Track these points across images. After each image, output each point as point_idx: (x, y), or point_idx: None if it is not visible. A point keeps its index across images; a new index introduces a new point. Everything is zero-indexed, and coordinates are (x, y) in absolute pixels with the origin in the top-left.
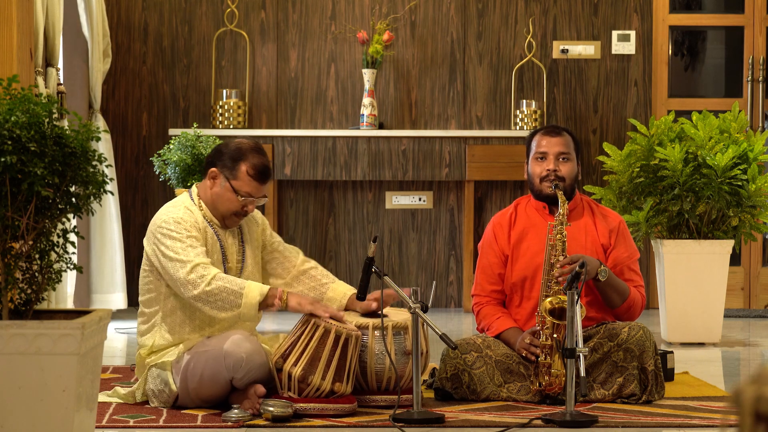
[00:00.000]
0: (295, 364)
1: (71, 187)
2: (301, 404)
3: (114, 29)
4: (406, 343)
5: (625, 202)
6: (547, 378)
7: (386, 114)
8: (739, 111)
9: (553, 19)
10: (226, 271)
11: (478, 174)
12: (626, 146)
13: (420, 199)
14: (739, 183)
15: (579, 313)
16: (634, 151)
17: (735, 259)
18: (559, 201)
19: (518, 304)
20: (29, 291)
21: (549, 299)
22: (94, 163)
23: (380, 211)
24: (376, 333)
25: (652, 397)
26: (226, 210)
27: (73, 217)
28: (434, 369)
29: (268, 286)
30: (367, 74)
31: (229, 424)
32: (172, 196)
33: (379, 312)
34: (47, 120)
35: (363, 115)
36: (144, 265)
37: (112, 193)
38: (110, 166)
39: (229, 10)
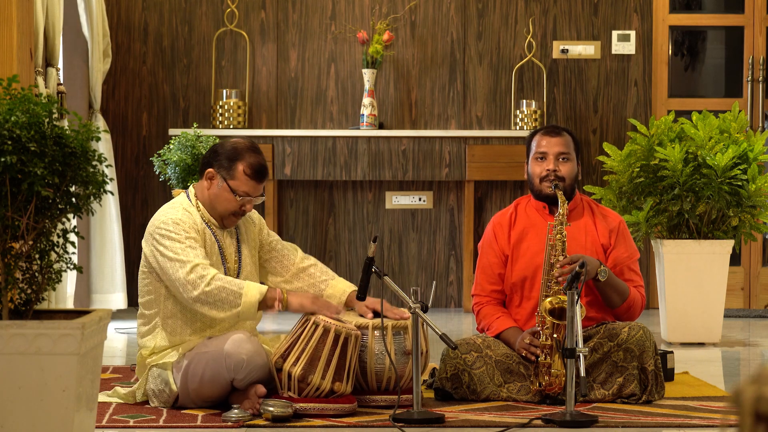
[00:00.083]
0: (295, 363)
1: (71, 187)
2: (301, 404)
3: (114, 29)
4: (406, 343)
5: (625, 202)
6: (547, 378)
7: (386, 114)
8: (739, 111)
9: (553, 19)
10: (225, 272)
11: (478, 174)
12: (626, 146)
13: (420, 199)
14: (739, 183)
15: (579, 313)
16: (634, 151)
17: (735, 259)
18: (559, 201)
19: (518, 304)
20: (29, 291)
21: (549, 299)
22: (94, 163)
23: (380, 211)
24: (376, 333)
25: (652, 397)
26: (224, 210)
27: (73, 217)
28: (434, 369)
29: (266, 286)
30: (367, 74)
31: (229, 424)
32: (172, 196)
33: (380, 311)
34: (47, 120)
35: (363, 115)
36: (143, 267)
37: (112, 193)
38: (110, 166)
39: (229, 10)
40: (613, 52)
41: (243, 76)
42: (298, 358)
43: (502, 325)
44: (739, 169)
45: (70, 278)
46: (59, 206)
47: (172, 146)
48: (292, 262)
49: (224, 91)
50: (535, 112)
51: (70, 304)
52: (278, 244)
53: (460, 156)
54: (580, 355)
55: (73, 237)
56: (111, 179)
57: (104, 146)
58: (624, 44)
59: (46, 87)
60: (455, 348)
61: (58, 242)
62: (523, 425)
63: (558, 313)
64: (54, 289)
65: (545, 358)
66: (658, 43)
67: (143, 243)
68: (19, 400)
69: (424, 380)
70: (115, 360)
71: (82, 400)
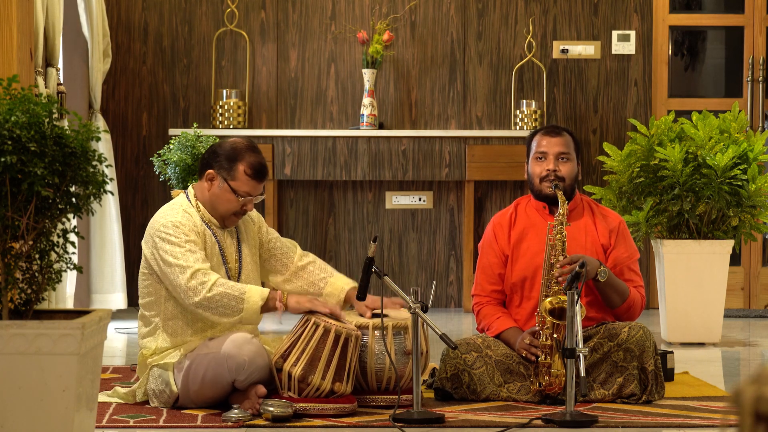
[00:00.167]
0: (295, 363)
1: (71, 187)
2: (301, 404)
3: (114, 29)
4: (406, 343)
5: (625, 202)
6: (547, 378)
7: (386, 114)
8: (739, 111)
9: (553, 19)
10: (226, 272)
11: (478, 174)
12: (626, 146)
13: (420, 199)
14: (739, 183)
15: (579, 313)
16: (634, 151)
17: (735, 259)
18: (559, 201)
19: (518, 304)
20: (29, 291)
21: (549, 299)
22: (94, 163)
23: (380, 211)
24: (376, 333)
25: (652, 397)
26: (225, 210)
27: (73, 217)
28: (434, 369)
29: (268, 290)
30: (367, 74)
31: (229, 424)
32: (172, 196)
33: (380, 311)
34: (47, 120)
35: (363, 115)
36: (143, 269)
37: (112, 193)
38: (110, 166)
39: (229, 10)
40: (613, 52)
41: (243, 76)
42: (298, 359)
43: (502, 326)
44: (739, 169)
45: (70, 278)
46: (59, 206)
47: (172, 146)
48: (292, 260)
49: (224, 91)
50: (535, 112)
51: (70, 304)
52: (278, 242)
53: (460, 156)
54: (580, 355)
55: (73, 237)
56: (111, 179)
57: (104, 146)
58: (624, 44)
59: (46, 87)
60: (455, 348)
61: (58, 242)
62: (523, 425)
63: (558, 313)
64: (54, 289)
65: (545, 358)
66: (658, 43)
67: (143, 244)
68: (19, 400)
69: (424, 380)
70: (115, 360)
71: (82, 400)
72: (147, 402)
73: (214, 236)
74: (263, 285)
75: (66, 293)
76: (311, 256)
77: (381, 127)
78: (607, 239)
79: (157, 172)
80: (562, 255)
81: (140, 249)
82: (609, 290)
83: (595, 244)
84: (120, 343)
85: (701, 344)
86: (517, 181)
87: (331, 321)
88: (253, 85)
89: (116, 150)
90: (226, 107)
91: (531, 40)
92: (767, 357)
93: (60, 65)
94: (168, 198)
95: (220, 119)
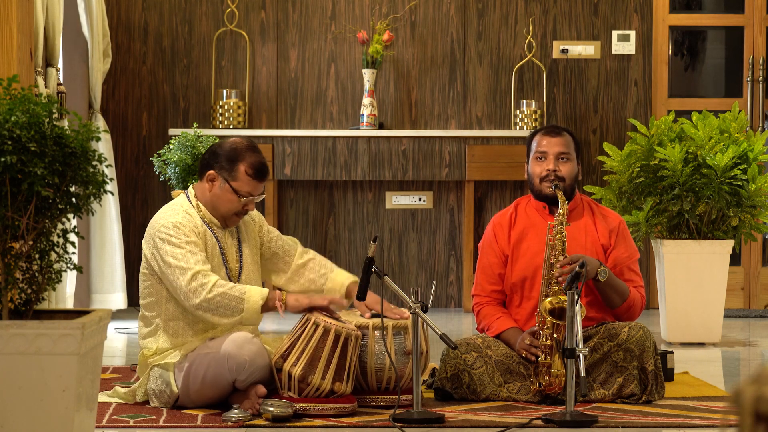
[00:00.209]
0: (295, 363)
1: (71, 187)
2: (301, 404)
3: (114, 29)
4: (406, 343)
5: (625, 202)
6: (547, 378)
7: (386, 114)
8: (739, 111)
9: (553, 19)
10: (227, 272)
11: (478, 174)
12: (626, 146)
13: (420, 199)
14: (739, 183)
15: (579, 313)
16: (634, 151)
17: (735, 259)
18: (559, 201)
19: (518, 304)
20: (29, 291)
21: (549, 299)
22: (94, 163)
23: (380, 211)
24: (376, 333)
25: (652, 397)
26: (227, 211)
27: (73, 217)
28: (434, 369)
29: (268, 290)
30: (367, 74)
31: (229, 424)
32: (172, 196)
33: (380, 311)
34: (47, 120)
35: (363, 115)
36: (143, 269)
37: (112, 193)
38: (110, 166)
39: (229, 10)
40: (613, 52)
41: (243, 76)
42: (298, 359)
43: (503, 326)
44: (739, 169)
45: (70, 278)
46: (59, 206)
47: (172, 146)
48: (293, 258)
49: (224, 91)
50: (535, 112)
51: (70, 304)
52: (279, 241)
53: (460, 156)
54: (580, 355)
55: (73, 237)
56: (111, 179)
57: (104, 146)
58: (624, 44)
59: (46, 87)
60: (455, 348)
61: (58, 242)
62: (523, 425)
63: (558, 313)
64: (54, 289)
65: (545, 358)
66: (658, 43)
67: (144, 245)
68: (19, 400)
69: (424, 380)
70: (115, 360)
71: (82, 400)
72: (147, 402)
73: (214, 236)
74: (264, 284)
75: (66, 293)
76: (311, 253)
77: (381, 127)
78: (607, 239)
79: (157, 172)
80: (562, 255)
81: (140, 249)
82: (609, 290)
83: (595, 244)
84: (120, 343)
85: (701, 344)
86: (517, 181)
87: (331, 321)
88: (253, 85)
89: (116, 150)
90: (226, 107)
91: (531, 40)
92: (767, 357)
93: (60, 65)
94: (168, 198)
95: (220, 119)
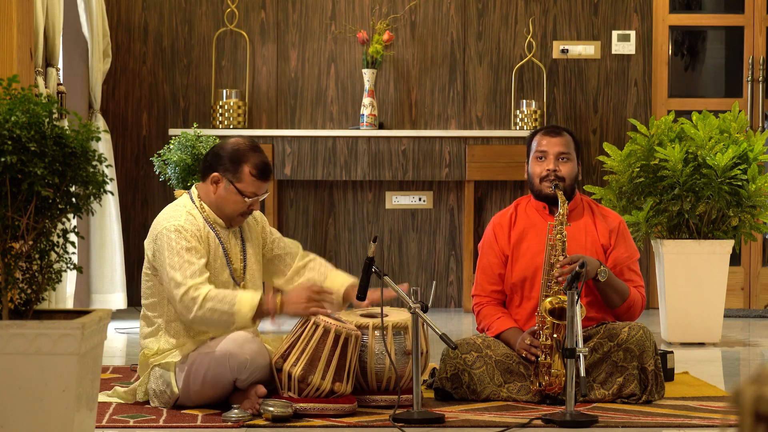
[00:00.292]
0: (295, 363)
1: (71, 187)
2: (301, 404)
3: (114, 29)
4: (406, 343)
5: (625, 202)
6: (547, 378)
7: (386, 114)
8: (739, 111)
9: (553, 19)
10: (231, 273)
11: (478, 174)
12: (626, 146)
13: (420, 199)
14: (739, 183)
15: (579, 313)
16: (634, 151)
17: (735, 259)
18: (559, 201)
19: (518, 305)
20: (29, 291)
21: (549, 299)
22: (94, 163)
23: (380, 211)
24: (376, 333)
25: (652, 397)
26: (232, 212)
27: (73, 217)
28: (434, 369)
29: (259, 296)
30: (367, 74)
31: (229, 424)
32: (173, 196)
33: (380, 312)
34: (47, 120)
35: (363, 115)
36: (146, 269)
37: (112, 193)
38: (110, 166)
39: (229, 10)
40: (613, 52)
41: (243, 76)
42: (298, 359)
43: (503, 326)
44: (739, 169)
45: (70, 278)
46: (59, 206)
47: (172, 146)
48: (294, 259)
49: (224, 91)
50: (535, 112)
51: (69, 304)
52: (280, 242)
53: (460, 156)
54: (580, 355)
55: (73, 237)
56: (111, 179)
57: (104, 146)
58: (624, 44)
59: (46, 87)
60: (455, 348)
61: (58, 242)
62: (523, 425)
63: (558, 313)
64: (54, 289)
65: (545, 358)
66: (658, 43)
67: (146, 244)
68: (19, 400)
69: (424, 380)
70: (115, 360)
71: (82, 400)
72: (147, 402)
73: (217, 237)
74: (264, 285)
75: (66, 293)
76: (312, 255)
77: (381, 127)
78: (607, 239)
79: (157, 172)
80: (562, 255)
81: (140, 249)
82: (609, 290)
83: (595, 244)
84: (120, 343)
85: (701, 344)
86: (517, 181)
87: (331, 321)
88: (253, 85)
89: (116, 150)
90: (226, 107)
91: (531, 40)
92: (767, 357)
93: (60, 65)
94: (168, 198)
95: (220, 119)
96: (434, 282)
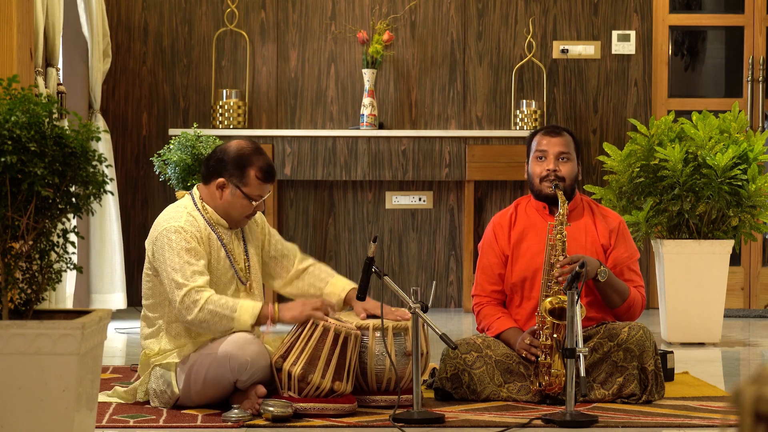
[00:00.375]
0: (295, 363)
1: (71, 187)
2: (301, 404)
3: (114, 29)
4: (407, 344)
5: (625, 202)
6: (547, 378)
7: (386, 114)
8: (739, 111)
9: (553, 19)
10: (236, 273)
11: (478, 174)
12: (626, 146)
13: (420, 199)
14: (739, 183)
15: (579, 313)
16: (634, 151)
17: (735, 259)
18: (559, 201)
19: (518, 305)
20: (29, 291)
21: (549, 299)
22: (94, 163)
23: (380, 211)
24: (377, 334)
25: (652, 397)
26: (239, 215)
27: (73, 217)
28: (434, 369)
29: (260, 306)
30: (367, 74)
31: (229, 424)
32: (173, 196)
33: (380, 315)
34: (47, 120)
35: (363, 115)
36: (146, 270)
37: (112, 193)
38: (110, 166)
39: (229, 10)
40: (613, 52)
41: (243, 76)
42: (298, 358)
43: (503, 326)
44: (739, 169)
45: (70, 278)
46: (59, 206)
47: (172, 146)
48: (292, 263)
49: (224, 91)
50: (535, 112)
51: (69, 304)
52: (279, 245)
53: (460, 156)
54: (580, 355)
55: (73, 237)
56: (111, 179)
57: (104, 146)
58: (624, 44)
59: (46, 87)
60: (455, 348)
61: (58, 242)
62: (523, 425)
63: (558, 313)
64: (54, 289)
65: (545, 358)
66: (658, 43)
67: (147, 244)
68: (19, 400)
69: (424, 380)
70: (115, 360)
71: (82, 400)
72: (147, 401)
73: (219, 239)
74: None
75: (66, 293)
76: (311, 260)
77: (381, 127)
78: (607, 239)
79: (157, 172)
80: (562, 255)
81: (140, 249)
82: (609, 290)
83: (595, 244)
84: (120, 343)
85: (701, 344)
86: (517, 181)
87: (330, 320)
88: (253, 85)
89: (116, 150)
90: (226, 107)
91: (531, 40)
92: (767, 357)
93: (60, 65)
94: (168, 198)
95: (220, 119)
96: (434, 282)
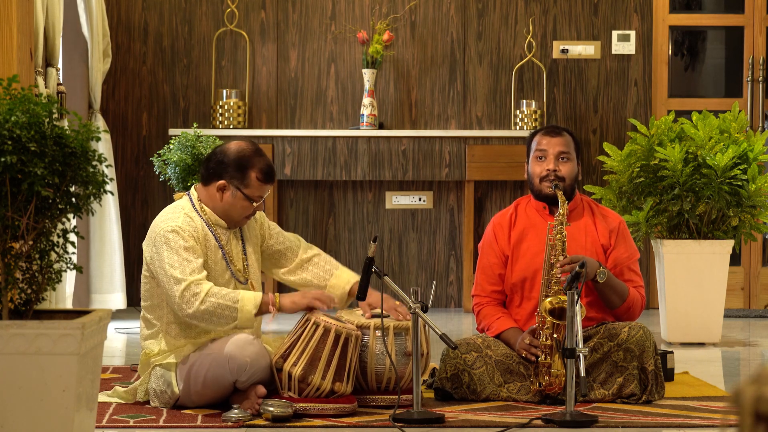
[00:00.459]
0: (295, 363)
1: (71, 187)
2: (301, 404)
3: (114, 29)
4: (407, 344)
5: (625, 202)
6: (547, 378)
7: (386, 114)
8: (739, 111)
9: (553, 19)
10: (232, 274)
11: (478, 174)
12: (626, 146)
13: (420, 199)
14: (739, 183)
15: (579, 313)
16: (634, 151)
17: (735, 259)
18: (559, 201)
19: (518, 305)
20: (29, 291)
21: (549, 299)
22: (94, 163)
23: (380, 211)
24: (377, 333)
25: (652, 397)
26: (239, 216)
27: (73, 217)
28: (434, 369)
29: (261, 295)
30: (367, 74)
31: (229, 424)
32: (172, 196)
33: (380, 312)
34: (47, 120)
35: (363, 115)
36: (145, 272)
37: (112, 193)
38: (110, 166)
39: (229, 10)
40: (613, 52)
41: (243, 76)
42: (298, 359)
43: (503, 326)
44: (739, 169)
45: (70, 278)
46: (59, 206)
47: (172, 146)
48: (296, 254)
49: (224, 91)
50: (535, 112)
51: (69, 304)
52: (280, 236)
53: (460, 156)
54: (580, 355)
55: (73, 237)
56: (111, 179)
57: (104, 146)
58: (624, 44)
59: (46, 87)
60: (455, 348)
61: (58, 242)
62: (523, 425)
63: (558, 313)
64: (54, 289)
65: (545, 358)
66: (658, 43)
67: (144, 246)
68: (19, 400)
69: (424, 380)
70: (115, 360)
71: (82, 400)
72: (147, 401)
73: (216, 239)
74: (263, 286)
75: (66, 293)
76: (316, 249)
77: (381, 127)
78: (607, 239)
79: (157, 172)
80: (562, 255)
81: (140, 249)
82: (608, 291)
83: (595, 245)
84: (120, 343)
85: (701, 344)
86: (517, 181)
87: (331, 321)
88: (253, 85)
89: (116, 150)
90: (226, 107)
91: (531, 40)
92: (767, 357)
93: (60, 65)
94: (168, 198)
95: (220, 119)
96: (434, 282)
